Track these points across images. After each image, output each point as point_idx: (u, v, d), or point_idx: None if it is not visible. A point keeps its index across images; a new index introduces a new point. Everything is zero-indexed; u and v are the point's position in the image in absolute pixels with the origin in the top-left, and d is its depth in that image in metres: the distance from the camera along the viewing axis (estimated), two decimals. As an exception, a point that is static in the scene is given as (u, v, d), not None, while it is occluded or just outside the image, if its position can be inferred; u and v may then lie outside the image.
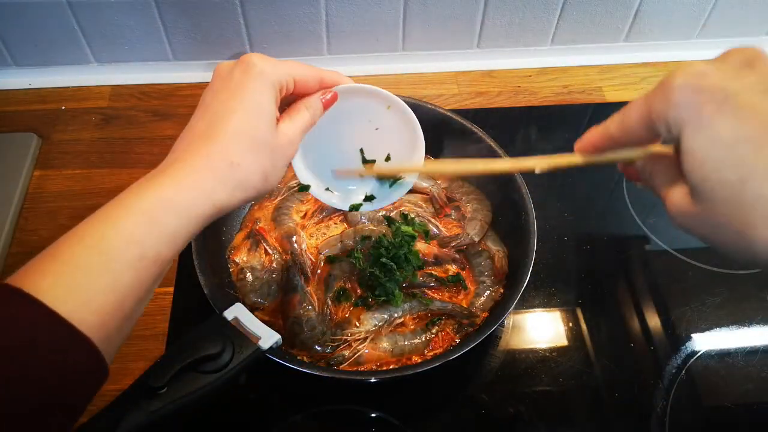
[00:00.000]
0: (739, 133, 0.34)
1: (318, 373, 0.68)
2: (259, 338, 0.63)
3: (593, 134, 0.45)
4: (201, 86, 1.10)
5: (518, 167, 0.57)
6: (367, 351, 0.75)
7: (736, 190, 0.34)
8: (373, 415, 0.76)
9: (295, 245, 0.84)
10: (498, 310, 0.77)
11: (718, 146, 0.35)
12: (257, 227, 0.87)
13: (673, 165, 0.40)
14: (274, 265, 0.83)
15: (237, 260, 0.84)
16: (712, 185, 0.36)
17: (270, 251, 0.84)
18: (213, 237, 0.83)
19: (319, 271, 0.83)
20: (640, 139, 0.41)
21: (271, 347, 0.64)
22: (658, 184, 0.42)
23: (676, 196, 0.39)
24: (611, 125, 0.43)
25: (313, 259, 0.84)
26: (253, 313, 0.63)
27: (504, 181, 0.85)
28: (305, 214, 0.89)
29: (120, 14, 1.00)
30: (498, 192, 0.87)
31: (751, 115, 0.34)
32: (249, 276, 0.81)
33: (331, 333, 0.77)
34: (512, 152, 0.86)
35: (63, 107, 1.07)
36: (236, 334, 0.62)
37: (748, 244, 0.35)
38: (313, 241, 0.86)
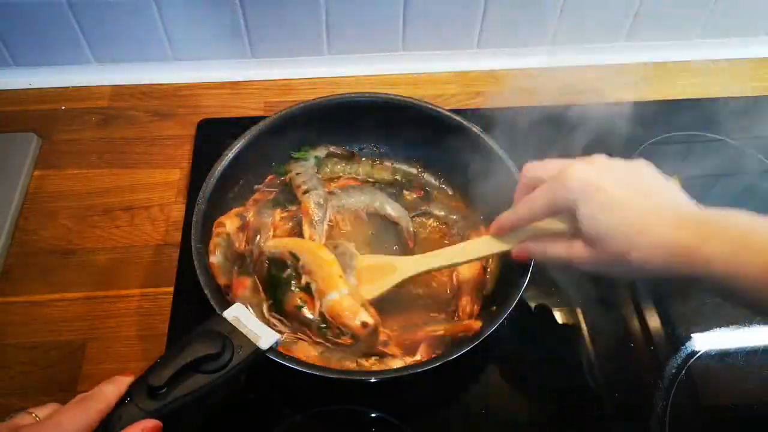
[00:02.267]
0: (610, 201, 0.58)
1: (318, 373, 0.68)
2: (259, 338, 0.63)
3: (510, 218, 0.68)
4: (201, 86, 1.11)
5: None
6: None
7: (615, 234, 0.58)
8: (373, 415, 0.76)
9: (257, 239, 0.83)
10: (497, 310, 0.77)
11: (601, 210, 0.58)
12: (249, 219, 0.86)
13: (563, 236, 0.64)
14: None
15: (222, 229, 0.83)
16: (602, 234, 0.58)
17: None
18: (209, 235, 0.83)
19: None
20: (541, 218, 0.64)
21: (271, 347, 0.64)
22: (558, 250, 0.64)
23: (576, 250, 0.61)
24: (521, 211, 0.65)
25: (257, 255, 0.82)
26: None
27: (504, 181, 0.84)
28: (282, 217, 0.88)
29: (120, 14, 1.00)
30: (498, 190, 0.87)
31: (614, 190, 0.58)
32: (221, 245, 0.81)
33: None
34: (512, 152, 0.86)
35: (63, 107, 1.07)
36: (236, 334, 0.62)
37: (628, 265, 0.57)
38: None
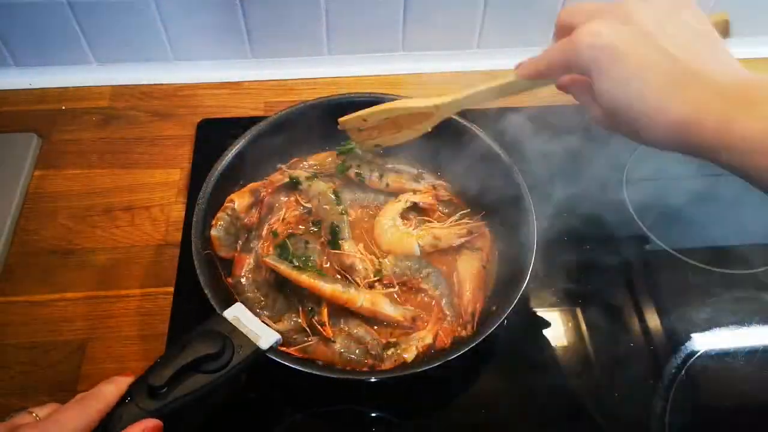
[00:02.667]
0: (624, 74, 0.51)
1: (318, 373, 0.68)
2: (259, 337, 0.63)
3: (530, 67, 0.65)
4: (201, 86, 1.11)
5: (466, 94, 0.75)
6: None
7: (627, 111, 0.52)
8: (373, 415, 0.76)
9: (269, 216, 0.87)
10: (497, 310, 0.77)
11: (613, 83, 0.52)
12: (266, 192, 0.88)
13: (589, 89, 0.56)
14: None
15: (230, 204, 0.84)
16: (612, 109, 0.53)
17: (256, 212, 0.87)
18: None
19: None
20: (560, 77, 0.63)
21: (271, 347, 0.64)
22: (582, 101, 0.61)
23: (595, 111, 0.57)
24: (541, 64, 0.62)
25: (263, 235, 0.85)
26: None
27: (503, 179, 0.84)
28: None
29: (120, 14, 1.00)
30: (497, 190, 0.87)
31: (632, 62, 0.51)
32: (224, 220, 0.83)
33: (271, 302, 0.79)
34: (512, 152, 0.86)
35: (63, 107, 1.07)
36: (236, 333, 0.62)
37: (639, 137, 0.53)
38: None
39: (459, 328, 0.79)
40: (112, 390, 0.54)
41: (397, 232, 0.85)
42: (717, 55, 0.51)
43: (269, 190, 0.88)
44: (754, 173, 0.46)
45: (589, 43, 0.52)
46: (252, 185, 0.88)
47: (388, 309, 0.77)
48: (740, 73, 0.50)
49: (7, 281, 0.86)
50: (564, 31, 0.57)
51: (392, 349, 0.75)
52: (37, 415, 0.51)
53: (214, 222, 0.82)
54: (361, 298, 0.76)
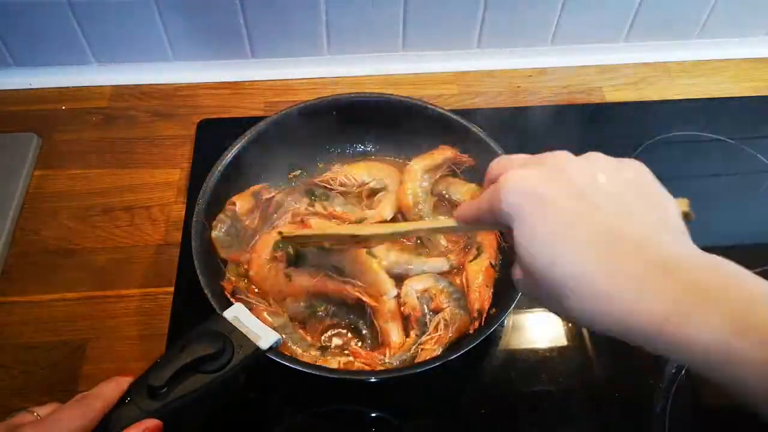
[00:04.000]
0: (549, 228, 0.43)
1: (318, 373, 0.68)
2: (259, 338, 0.63)
3: (463, 211, 0.55)
4: (201, 86, 1.11)
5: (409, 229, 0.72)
6: None
7: (549, 271, 0.43)
8: (373, 415, 0.76)
9: (274, 216, 0.87)
10: (497, 311, 0.77)
11: (535, 238, 0.43)
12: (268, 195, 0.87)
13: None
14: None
15: (231, 207, 0.84)
16: (533, 267, 0.44)
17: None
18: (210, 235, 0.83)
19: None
20: (488, 225, 0.55)
21: (270, 347, 0.64)
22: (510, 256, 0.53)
23: (517, 272, 0.48)
24: (471, 211, 0.53)
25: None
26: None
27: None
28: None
29: (120, 14, 1.00)
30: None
31: (558, 215, 0.43)
32: (224, 222, 0.83)
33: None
34: (511, 152, 0.86)
35: (63, 107, 1.07)
36: (236, 333, 0.62)
37: (566, 311, 0.43)
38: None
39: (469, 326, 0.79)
40: (112, 389, 0.54)
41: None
42: (666, 225, 0.44)
43: (271, 194, 0.87)
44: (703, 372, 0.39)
45: (512, 188, 0.45)
46: (254, 188, 0.87)
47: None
48: (693, 251, 0.42)
49: (7, 281, 0.86)
50: (493, 182, 0.49)
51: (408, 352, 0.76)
52: (37, 415, 0.51)
53: (214, 224, 0.82)
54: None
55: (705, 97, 1.13)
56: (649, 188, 0.46)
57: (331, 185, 0.90)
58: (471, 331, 0.77)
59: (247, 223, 0.85)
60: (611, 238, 0.42)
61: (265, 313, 0.77)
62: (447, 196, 0.91)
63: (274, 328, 0.69)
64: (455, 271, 0.84)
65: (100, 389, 0.53)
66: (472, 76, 1.14)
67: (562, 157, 0.47)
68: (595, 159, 0.47)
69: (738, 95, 1.13)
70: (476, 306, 0.78)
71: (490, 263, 0.83)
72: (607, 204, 0.43)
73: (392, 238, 0.81)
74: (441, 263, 0.84)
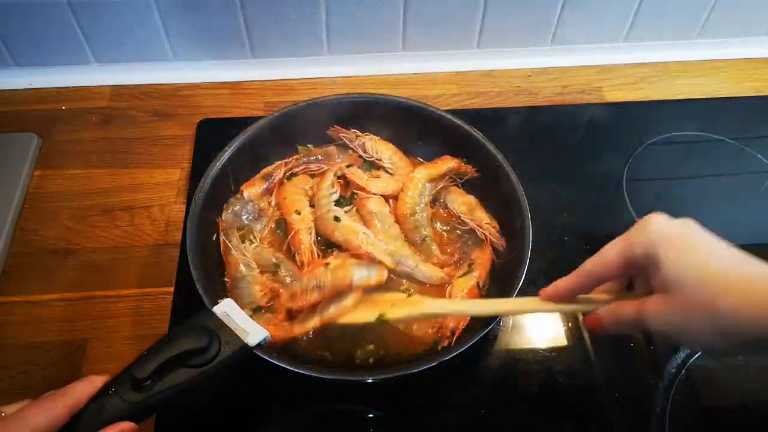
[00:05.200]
0: (693, 244, 0.50)
1: (314, 375, 0.68)
2: (247, 334, 0.63)
3: (563, 282, 0.59)
4: (201, 86, 1.11)
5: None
6: None
7: (701, 276, 0.48)
8: (372, 415, 0.76)
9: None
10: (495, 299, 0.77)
11: (686, 252, 0.50)
12: (277, 179, 0.89)
13: (626, 299, 0.54)
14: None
15: (245, 194, 0.87)
16: (687, 275, 0.49)
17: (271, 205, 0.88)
18: (207, 232, 0.83)
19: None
20: (612, 273, 0.56)
21: (258, 344, 0.64)
22: (628, 310, 0.54)
23: (651, 303, 0.52)
24: (587, 264, 0.57)
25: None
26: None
27: (501, 179, 0.84)
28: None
29: (120, 14, 1.00)
30: (493, 191, 0.87)
31: (695, 237, 0.52)
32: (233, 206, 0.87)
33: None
34: (511, 153, 0.86)
35: (63, 107, 1.07)
36: (224, 329, 0.62)
37: (713, 315, 0.47)
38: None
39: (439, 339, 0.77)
40: (83, 387, 0.54)
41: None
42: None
43: (282, 175, 0.90)
44: None
45: (660, 224, 0.52)
46: (263, 172, 0.89)
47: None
48: None
49: (7, 281, 0.86)
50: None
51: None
52: (2, 413, 0.51)
53: (225, 207, 0.85)
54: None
55: (705, 97, 1.13)
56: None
57: (352, 144, 0.93)
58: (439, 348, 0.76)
59: (263, 206, 0.88)
60: (743, 259, 0.49)
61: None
62: (443, 202, 0.91)
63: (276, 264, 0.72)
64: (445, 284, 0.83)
65: (71, 387, 0.54)
66: (472, 76, 1.14)
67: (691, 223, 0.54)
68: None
69: (738, 95, 1.13)
70: (451, 324, 0.76)
71: (477, 283, 0.81)
72: (730, 246, 0.51)
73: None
74: (435, 275, 0.82)
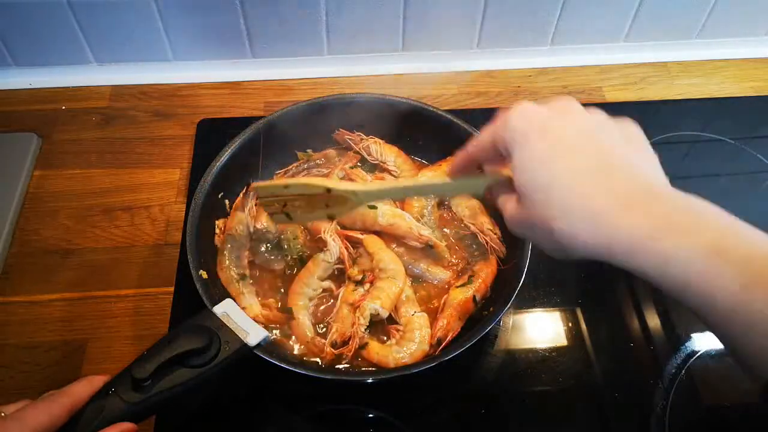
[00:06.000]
0: (549, 153, 0.47)
1: (313, 374, 0.68)
2: (247, 334, 0.63)
3: (458, 156, 0.57)
4: (201, 86, 1.11)
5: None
6: None
7: (545, 192, 0.46)
8: (371, 415, 0.76)
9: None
10: (494, 311, 0.77)
11: (535, 160, 0.47)
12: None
13: (509, 185, 0.51)
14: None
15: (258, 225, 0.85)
16: (530, 189, 0.47)
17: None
18: (208, 231, 0.83)
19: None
20: (489, 155, 0.54)
21: (258, 344, 0.64)
22: (500, 201, 0.54)
23: (509, 205, 0.51)
24: (469, 146, 0.55)
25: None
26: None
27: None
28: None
29: (120, 14, 1.00)
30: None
31: (558, 142, 0.47)
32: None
33: None
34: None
35: (63, 107, 1.07)
36: (224, 329, 0.62)
37: (552, 236, 0.46)
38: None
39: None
40: (83, 387, 0.54)
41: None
42: (656, 169, 0.49)
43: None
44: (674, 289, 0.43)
45: (519, 114, 0.49)
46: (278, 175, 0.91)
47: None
48: (678, 191, 0.47)
49: (7, 281, 0.86)
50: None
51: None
52: (2, 413, 0.51)
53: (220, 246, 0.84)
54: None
55: (705, 97, 1.13)
56: (642, 141, 0.51)
57: (357, 147, 0.93)
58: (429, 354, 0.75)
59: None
60: (606, 165, 0.46)
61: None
62: (448, 206, 0.90)
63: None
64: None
65: (71, 387, 0.54)
66: (472, 76, 1.14)
67: (571, 102, 0.50)
68: (598, 111, 0.51)
69: (738, 95, 1.13)
70: (438, 333, 0.76)
71: (474, 297, 0.79)
72: (605, 140, 0.48)
73: (375, 198, 0.72)
74: (446, 277, 0.84)
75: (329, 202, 0.64)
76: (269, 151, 0.90)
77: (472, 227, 0.86)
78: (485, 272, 0.82)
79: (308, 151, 0.94)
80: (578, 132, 0.48)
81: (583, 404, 0.79)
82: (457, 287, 0.81)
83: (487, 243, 0.84)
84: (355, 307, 0.78)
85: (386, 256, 0.81)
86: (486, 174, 0.56)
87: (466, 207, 0.89)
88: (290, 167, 0.93)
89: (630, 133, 0.51)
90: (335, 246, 0.81)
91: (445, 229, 0.89)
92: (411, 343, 0.75)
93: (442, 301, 0.80)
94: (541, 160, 0.47)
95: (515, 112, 0.49)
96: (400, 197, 0.78)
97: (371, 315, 0.76)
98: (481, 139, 0.53)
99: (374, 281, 0.80)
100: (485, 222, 0.86)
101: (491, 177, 0.55)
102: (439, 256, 0.85)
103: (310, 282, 0.80)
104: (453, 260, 0.86)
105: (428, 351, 0.75)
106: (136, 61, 1.09)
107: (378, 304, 0.76)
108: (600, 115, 0.50)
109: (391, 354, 0.74)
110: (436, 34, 1.10)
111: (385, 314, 0.77)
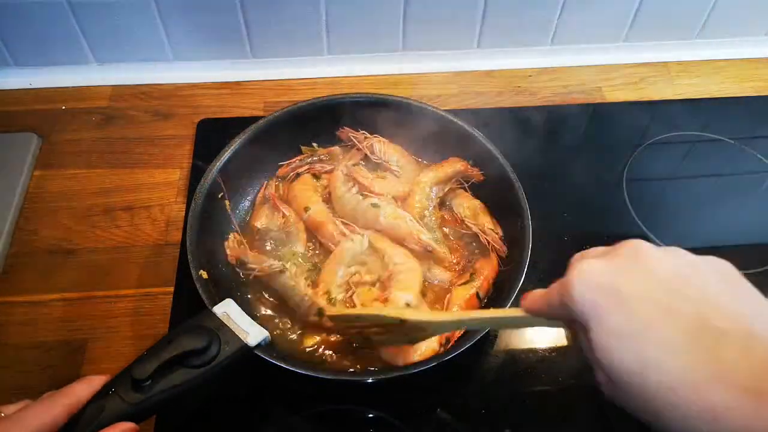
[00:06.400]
0: (631, 325, 0.38)
1: (312, 374, 0.67)
2: (247, 335, 0.63)
3: (533, 301, 0.49)
4: (201, 86, 1.11)
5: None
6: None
7: (640, 378, 0.37)
8: (371, 415, 0.76)
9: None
10: (495, 309, 0.77)
11: (614, 338, 0.38)
12: (269, 193, 0.89)
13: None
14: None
15: (257, 225, 0.87)
16: (619, 374, 0.39)
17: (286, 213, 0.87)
18: (208, 231, 0.83)
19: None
20: (562, 317, 0.45)
21: (258, 344, 0.64)
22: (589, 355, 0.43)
23: (600, 375, 0.41)
24: (542, 302, 0.47)
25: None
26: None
27: (500, 179, 0.84)
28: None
29: (120, 14, 1.00)
30: (493, 191, 0.87)
31: (639, 309, 0.38)
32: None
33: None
34: (511, 153, 0.86)
35: (63, 107, 1.07)
36: (224, 330, 0.62)
37: (665, 426, 0.37)
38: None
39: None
40: (83, 388, 0.54)
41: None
42: (761, 310, 0.38)
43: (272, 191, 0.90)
44: None
45: (585, 281, 0.41)
46: (259, 198, 0.90)
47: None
48: None
49: (7, 281, 0.86)
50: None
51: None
52: (2, 414, 0.51)
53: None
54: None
55: (705, 97, 1.13)
56: (737, 280, 0.40)
57: (360, 145, 0.92)
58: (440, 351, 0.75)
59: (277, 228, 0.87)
60: (709, 326, 0.37)
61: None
62: (449, 206, 0.90)
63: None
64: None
65: (70, 387, 0.54)
66: (472, 76, 1.14)
67: (640, 246, 0.42)
68: (675, 250, 0.42)
69: (738, 95, 1.13)
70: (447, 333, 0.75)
71: (477, 294, 0.79)
72: (694, 285, 0.38)
73: (451, 329, 0.71)
74: (447, 278, 0.83)
75: (406, 330, 0.63)
76: (273, 147, 0.90)
77: (474, 227, 0.86)
78: (487, 269, 0.82)
79: (314, 145, 0.94)
80: (658, 285, 0.39)
81: (583, 404, 0.79)
82: (460, 285, 0.81)
83: (488, 243, 0.84)
84: (382, 301, 0.78)
85: (397, 251, 0.82)
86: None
87: (467, 207, 0.88)
88: (293, 160, 0.93)
89: (724, 272, 0.40)
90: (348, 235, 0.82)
91: (445, 228, 0.89)
92: (421, 343, 0.74)
93: (446, 301, 0.80)
94: (623, 337, 0.38)
95: (575, 280, 0.41)
96: (476, 327, 0.71)
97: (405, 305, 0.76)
98: (551, 303, 0.45)
99: (392, 275, 0.79)
100: (486, 222, 0.86)
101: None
102: (438, 260, 0.85)
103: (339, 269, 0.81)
104: (454, 260, 0.86)
105: (437, 350, 0.75)
106: (136, 61, 1.09)
107: (408, 293, 0.76)
108: (680, 255, 0.41)
109: (401, 353, 0.74)
110: (436, 34, 1.10)
111: (415, 304, 0.77)
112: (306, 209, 0.87)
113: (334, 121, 0.92)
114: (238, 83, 1.11)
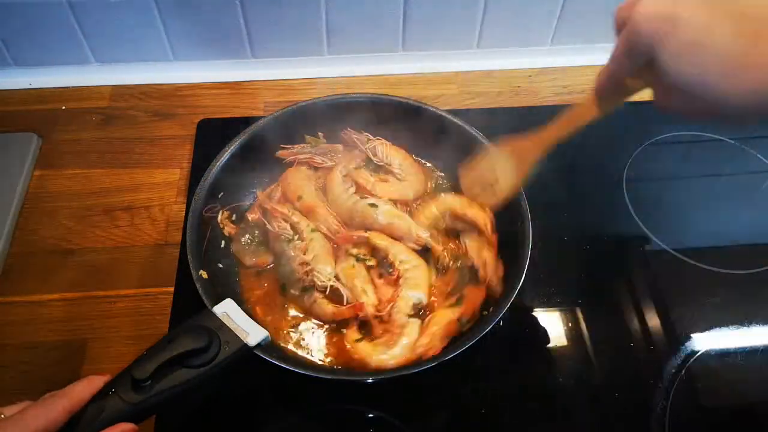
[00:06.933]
0: (690, 38, 0.45)
1: (312, 374, 0.68)
2: (247, 334, 0.63)
3: (600, 76, 0.61)
4: (201, 86, 1.11)
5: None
6: None
7: (699, 78, 0.46)
8: (371, 415, 0.76)
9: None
10: (493, 311, 0.77)
11: (679, 53, 0.46)
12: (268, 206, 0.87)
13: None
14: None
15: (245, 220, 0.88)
16: (684, 82, 0.47)
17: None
18: (207, 232, 0.83)
19: None
20: (628, 71, 0.55)
21: (258, 344, 0.64)
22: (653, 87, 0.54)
23: (662, 98, 0.53)
24: (608, 66, 0.58)
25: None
26: None
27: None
28: None
29: (120, 14, 1.00)
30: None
31: (694, 22, 0.45)
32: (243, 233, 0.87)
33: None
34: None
35: (63, 107, 1.07)
36: (224, 329, 0.62)
37: (717, 110, 0.47)
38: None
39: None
40: (82, 388, 0.54)
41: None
42: None
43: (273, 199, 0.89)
44: None
45: (646, 15, 0.47)
46: (258, 200, 0.89)
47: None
48: None
49: (7, 281, 0.86)
50: (623, 25, 0.52)
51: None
52: (3, 415, 0.51)
53: (233, 237, 0.85)
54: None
55: (705, 97, 1.12)
56: None
57: (363, 147, 0.92)
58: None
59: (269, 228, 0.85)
60: (754, 29, 0.43)
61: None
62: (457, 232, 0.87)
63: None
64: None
65: (70, 388, 0.54)
66: (472, 76, 1.14)
67: None
68: None
69: (738, 95, 1.13)
70: (420, 351, 0.73)
71: (458, 319, 0.77)
72: (740, 3, 0.45)
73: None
74: (420, 295, 0.80)
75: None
76: (273, 148, 0.90)
77: (475, 261, 0.82)
78: (474, 294, 0.79)
79: (319, 134, 0.94)
80: (709, 3, 0.45)
81: (583, 404, 0.79)
82: (444, 308, 0.78)
83: (485, 280, 0.80)
84: (390, 301, 0.78)
85: (400, 248, 0.82)
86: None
87: (473, 240, 0.84)
88: (295, 146, 0.92)
89: None
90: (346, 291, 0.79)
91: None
92: (397, 348, 0.74)
93: (427, 319, 0.77)
94: (684, 50, 0.46)
95: (637, 17, 0.48)
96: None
97: (414, 305, 0.78)
98: (617, 54, 0.54)
99: (400, 274, 0.80)
100: (488, 257, 0.81)
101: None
102: (434, 258, 0.84)
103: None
104: (445, 282, 0.82)
105: (411, 359, 0.73)
106: (136, 61, 1.09)
107: (419, 291, 0.78)
108: None
109: (375, 354, 0.74)
110: (436, 34, 1.10)
111: (426, 301, 0.79)
112: (299, 198, 0.87)
113: (334, 121, 0.92)
114: (238, 83, 1.11)
